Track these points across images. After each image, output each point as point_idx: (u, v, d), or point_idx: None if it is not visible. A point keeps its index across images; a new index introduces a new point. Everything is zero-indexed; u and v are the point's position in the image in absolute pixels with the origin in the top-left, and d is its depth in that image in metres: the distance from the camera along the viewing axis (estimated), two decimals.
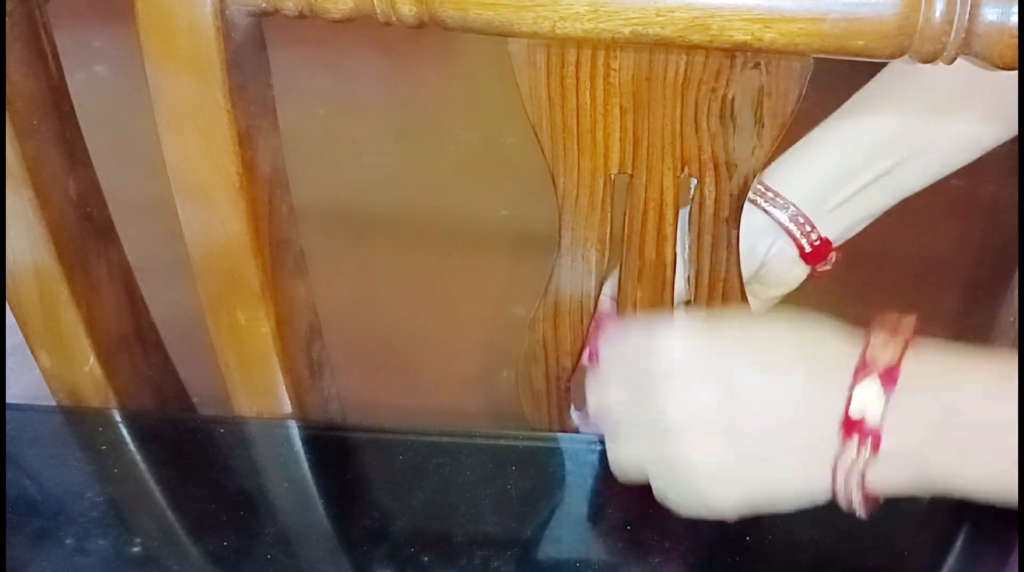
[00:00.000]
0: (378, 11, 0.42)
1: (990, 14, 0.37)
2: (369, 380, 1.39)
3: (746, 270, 0.58)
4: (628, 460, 0.46)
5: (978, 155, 0.57)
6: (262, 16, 0.46)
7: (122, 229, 0.60)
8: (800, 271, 0.61)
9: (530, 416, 0.64)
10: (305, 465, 0.57)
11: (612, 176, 0.51)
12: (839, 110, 0.59)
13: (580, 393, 0.62)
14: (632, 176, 0.51)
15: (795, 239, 0.59)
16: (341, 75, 2.33)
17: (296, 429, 0.59)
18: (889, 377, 0.38)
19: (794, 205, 0.58)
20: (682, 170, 0.50)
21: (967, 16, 0.37)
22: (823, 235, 0.59)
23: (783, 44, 0.40)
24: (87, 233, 0.57)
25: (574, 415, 0.64)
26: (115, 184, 0.63)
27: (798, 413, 0.41)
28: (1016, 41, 0.38)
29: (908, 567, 0.50)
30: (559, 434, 0.63)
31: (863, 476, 0.40)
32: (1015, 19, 0.37)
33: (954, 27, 0.38)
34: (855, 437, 0.39)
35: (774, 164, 0.59)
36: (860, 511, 0.41)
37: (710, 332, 0.43)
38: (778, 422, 0.41)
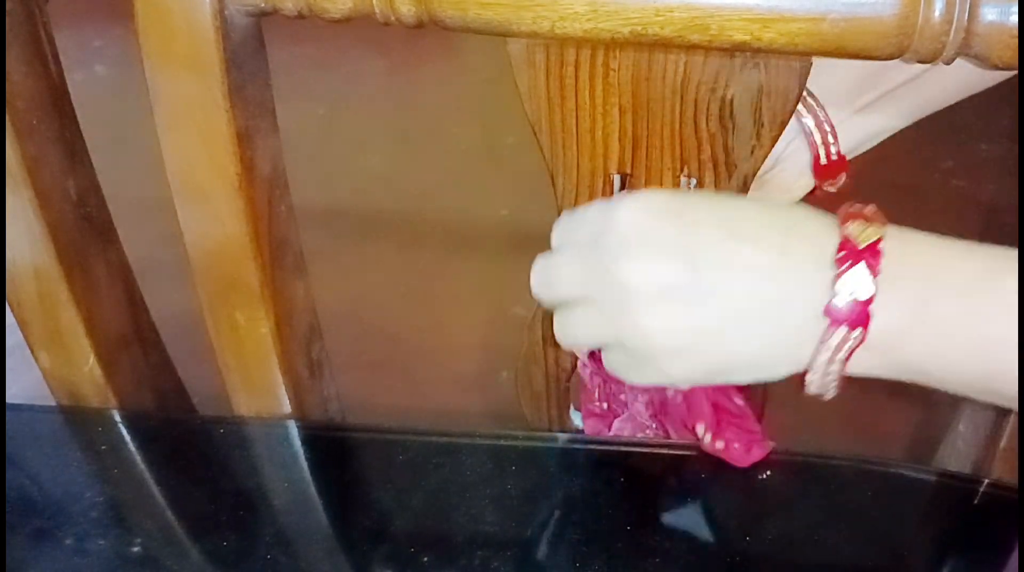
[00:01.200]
0: (377, 11, 0.42)
1: (989, 14, 0.37)
2: (368, 380, 1.39)
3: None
4: (577, 327, 0.43)
5: (991, 83, 0.55)
6: (261, 16, 0.46)
7: (122, 229, 0.60)
8: (806, 182, 0.59)
9: (530, 416, 0.64)
10: (304, 465, 0.57)
11: (611, 176, 0.51)
12: None
13: (579, 393, 0.62)
14: (632, 176, 0.51)
15: (814, 145, 0.57)
16: (340, 75, 2.33)
17: (295, 429, 0.59)
18: (873, 261, 0.37)
19: (823, 108, 0.57)
20: (681, 170, 0.50)
21: (966, 16, 0.38)
22: (840, 150, 0.58)
23: (782, 44, 0.40)
24: (87, 233, 0.57)
25: (574, 415, 0.64)
26: (115, 184, 0.63)
27: (770, 290, 0.38)
28: (1015, 41, 0.38)
29: (908, 567, 0.50)
30: (559, 434, 0.63)
31: (846, 361, 0.38)
32: (1014, 19, 0.37)
33: (953, 27, 0.38)
34: (843, 325, 0.37)
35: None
36: (831, 393, 0.40)
37: (675, 201, 0.40)
38: (746, 296, 0.38)
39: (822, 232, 0.38)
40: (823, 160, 0.58)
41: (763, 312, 0.39)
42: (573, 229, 0.42)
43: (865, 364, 0.39)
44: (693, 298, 0.39)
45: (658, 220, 0.39)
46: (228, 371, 0.58)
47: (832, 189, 0.59)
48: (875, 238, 0.38)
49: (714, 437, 0.53)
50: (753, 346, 0.40)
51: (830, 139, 0.58)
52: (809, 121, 0.57)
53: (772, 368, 0.40)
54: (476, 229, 1.82)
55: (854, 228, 0.38)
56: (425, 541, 0.50)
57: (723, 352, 0.40)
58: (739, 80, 0.47)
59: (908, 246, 0.38)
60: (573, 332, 0.43)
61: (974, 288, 0.38)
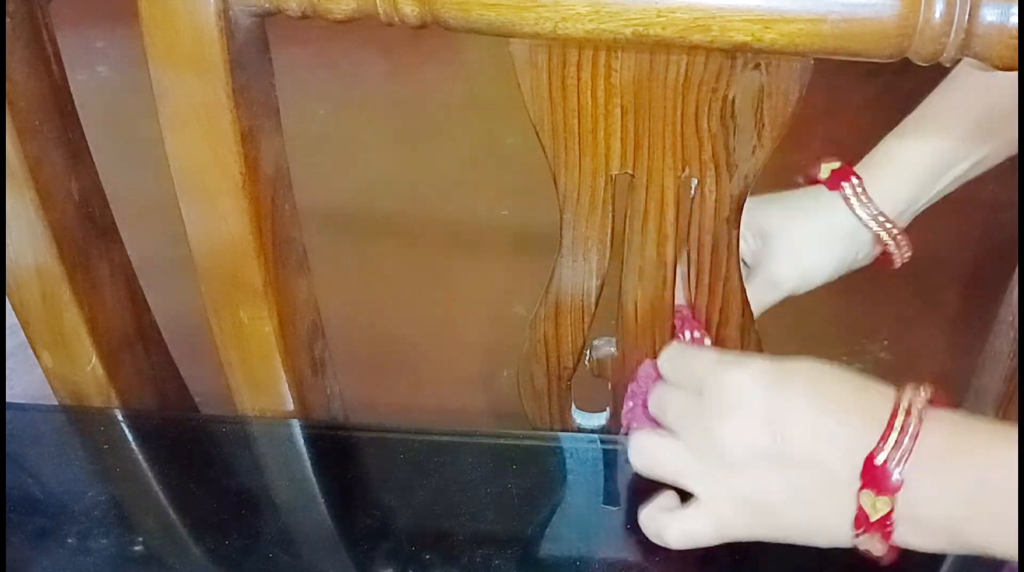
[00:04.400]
0: (380, 12, 0.42)
1: (989, 15, 0.38)
2: (371, 379, 1.40)
3: (831, 273, 0.62)
4: (662, 451, 0.48)
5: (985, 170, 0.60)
6: (265, 17, 0.46)
7: (124, 229, 0.61)
8: (792, 285, 0.63)
9: (531, 415, 0.64)
10: (307, 464, 0.57)
11: (613, 176, 0.51)
12: (919, 109, 0.61)
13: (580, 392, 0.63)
14: (633, 176, 0.51)
15: (885, 244, 0.62)
16: (343, 75, 2.33)
17: (298, 428, 0.59)
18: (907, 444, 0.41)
19: (882, 214, 0.61)
20: (683, 170, 0.50)
21: (967, 17, 0.38)
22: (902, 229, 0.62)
23: (783, 45, 0.40)
24: (89, 233, 0.57)
25: (575, 414, 0.64)
26: (117, 184, 0.63)
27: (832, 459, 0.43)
28: (1016, 42, 0.38)
29: (908, 567, 0.50)
30: (560, 433, 0.63)
31: (887, 532, 0.42)
32: (1015, 20, 0.37)
33: (954, 28, 0.38)
34: (872, 489, 0.41)
35: (864, 167, 0.62)
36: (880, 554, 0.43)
37: (773, 373, 0.46)
38: (825, 466, 0.43)
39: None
40: (897, 259, 0.63)
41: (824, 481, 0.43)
42: (682, 369, 0.50)
43: (923, 544, 0.42)
44: (779, 463, 0.43)
45: (757, 390, 0.45)
46: (231, 370, 0.59)
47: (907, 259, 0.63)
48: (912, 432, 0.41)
49: None
50: (818, 511, 0.44)
51: (897, 236, 0.61)
52: (872, 223, 0.61)
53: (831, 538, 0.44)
54: (478, 229, 1.82)
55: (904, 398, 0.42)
56: (426, 539, 0.50)
57: (790, 516, 0.44)
58: (740, 81, 0.47)
59: (948, 440, 0.41)
60: (655, 455, 0.48)
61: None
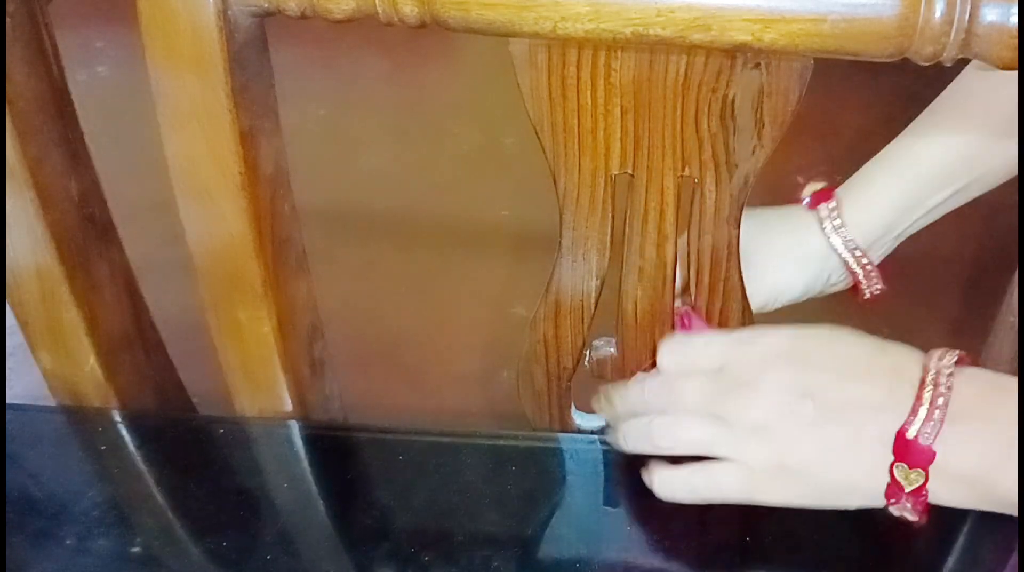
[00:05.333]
0: (380, 11, 0.42)
1: (990, 15, 0.37)
2: (370, 379, 1.40)
3: (800, 293, 0.61)
4: (687, 431, 0.47)
5: (1009, 177, 0.59)
6: (264, 16, 0.46)
7: (123, 229, 0.60)
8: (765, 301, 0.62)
9: (531, 415, 0.64)
10: (306, 464, 0.57)
11: (613, 176, 0.51)
12: (902, 135, 0.61)
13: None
14: (633, 176, 0.51)
15: (854, 273, 0.61)
16: (342, 75, 2.33)
17: (297, 428, 0.59)
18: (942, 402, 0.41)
19: (856, 243, 0.60)
20: (683, 170, 0.50)
21: (967, 17, 0.38)
22: (874, 264, 0.62)
23: (783, 44, 0.40)
24: (88, 233, 0.57)
25: (575, 415, 0.64)
26: (117, 184, 0.63)
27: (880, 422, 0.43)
28: (1016, 42, 0.38)
29: (908, 567, 0.50)
30: (560, 434, 0.63)
31: (921, 501, 0.42)
32: (1015, 20, 0.37)
33: (954, 28, 0.38)
34: (905, 463, 0.41)
35: (843, 192, 0.61)
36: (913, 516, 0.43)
37: (797, 346, 0.46)
38: (858, 427, 0.43)
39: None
40: (865, 291, 0.62)
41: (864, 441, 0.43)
42: (693, 355, 0.49)
43: (954, 499, 0.43)
44: (811, 425, 0.44)
45: (782, 357, 0.45)
46: (230, 370, 0.59)
47: (878, 291, 0.63)
48: (947, 378, 0.42)
49: None
50: (851, 472, 0.44)
51: (864, 261, 0.61)
52: (845, 251, 0.60)
53: (857, 496, 0.45)
54: (477, 229, 1.82)
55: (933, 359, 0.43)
56: (426, 540, 0.50)
57: (823, 477, 0.44)
58: (740, 80, 0.47)
59: (979, 396, 0.42)
60: (681, 429, 0.47)
61: None
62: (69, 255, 0.56)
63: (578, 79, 0.48)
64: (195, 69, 0.46)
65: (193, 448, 0.58)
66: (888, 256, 0.63)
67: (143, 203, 0.94)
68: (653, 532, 0.51)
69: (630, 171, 0.51)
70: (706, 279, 0.56)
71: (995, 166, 0.58)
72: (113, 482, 0.55)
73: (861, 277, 0.62)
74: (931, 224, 0.63)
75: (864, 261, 0.61)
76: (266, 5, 0.44)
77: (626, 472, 0.54)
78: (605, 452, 0.57)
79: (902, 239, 0.62)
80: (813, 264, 0.61)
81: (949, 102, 0.59)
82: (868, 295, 0.63)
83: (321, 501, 0.54)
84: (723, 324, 0.57)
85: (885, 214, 0.60)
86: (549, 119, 0.49)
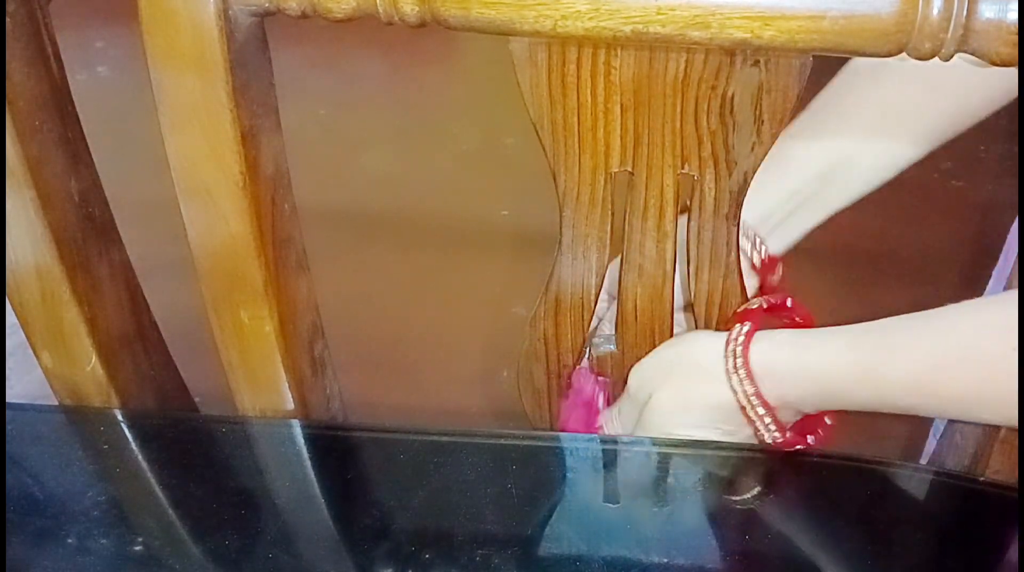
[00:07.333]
0: (380, 11, 0.42)
1: (988, 11, 0.38)
2: (371, 379, 1.40)
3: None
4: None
5: (894, 174, 0.60)
6: (265, 16, 0.46)
7: (124, 229, 0.61)
8: (753, 282, 0.61)
9: (531, 414, 0.64)
10: (307, 464, 0.57)
11: (613, 173, 0.51)
12: (782, 138, 0.61)
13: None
14: (632, 173, 0.51)
15: (747, 253, 0.60)
16: (343, 75, 2.33)
17: (298, 428, 0.59)
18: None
19: (748, 224, 0.60)
20: (682, 167, 0.51)
21: (965, 13, 0.38)
22: (770, 252, 0.61)
23: (783, 42, 0.40)
24: (89, 233, 0.57)
25: None
26: (117, 184, 0.63)
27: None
28: (1014, 38, 0.38)
29: (906, 566, 0.50)
30: (560, 433, 0.63)
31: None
32: (1013, 16, 0.37)
33: (952, 24, 0.38)
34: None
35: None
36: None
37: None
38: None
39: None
40: (757, 264, 0.61)
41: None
42: (620, 421, 0.60)
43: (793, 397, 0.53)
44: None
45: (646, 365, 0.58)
46: (231, 370, 0.59)
47: (776, 279, 0.62)
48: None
49: None
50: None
51: (758, 242, 0.61)
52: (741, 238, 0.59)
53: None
54: (477, 229, 1.82)
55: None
56: (426, 539, 0.50)
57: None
58: (739, 78, 0.47)
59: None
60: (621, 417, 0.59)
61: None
62: (69, 255, 0.56)
63: (578, 77, 0.48)
64: (195, 69, 0.46)
65: (194, 447, 0.58)
66: (888, 256, 0.63)
67: (144, 203, 0.95)
68: (653, 531, 0.51)
69: (630, 168, 0.51)
70: (705, 275, 0.56)
71: (863, 164, 0.59)
72: (114, 482, 0.56)
73: (756, 259, 0.61)
74: (930, 224, 0.63)
75: (759, 243, 0.61)
76: (266, 5, 0.44)
77: (625, 472, 0.54)
78: (604, 452, 0.57)
79: (792, 237, 0.62)
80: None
81: (820, 106, 0.60)
82: (772, 280, 0.63)
83: (322, 500, 0.54)
84: (722, 320, 0.57)
85: (766, 202, 0.60)
86: (549, 117, 0.49)
